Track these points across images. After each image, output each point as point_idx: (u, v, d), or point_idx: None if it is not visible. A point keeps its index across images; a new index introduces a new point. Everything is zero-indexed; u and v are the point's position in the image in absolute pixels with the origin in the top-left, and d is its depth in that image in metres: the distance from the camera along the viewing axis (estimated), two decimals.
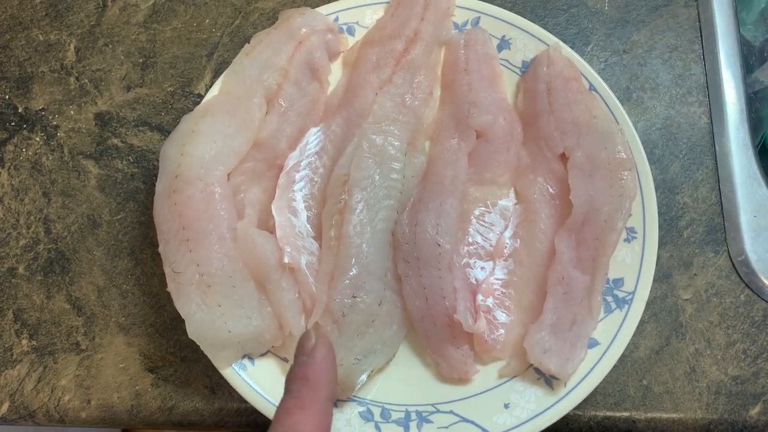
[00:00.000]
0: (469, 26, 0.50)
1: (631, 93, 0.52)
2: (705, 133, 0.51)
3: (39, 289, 0.49)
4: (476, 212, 0.46)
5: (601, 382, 0.41)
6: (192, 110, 0.46)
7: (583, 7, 0.55)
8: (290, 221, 0.45)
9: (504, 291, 0.45)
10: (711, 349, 0.46)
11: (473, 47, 0.49)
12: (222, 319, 0.41)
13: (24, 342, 0.48)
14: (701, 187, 0.50)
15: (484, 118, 0.46)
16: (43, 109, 0.54)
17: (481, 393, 0.42)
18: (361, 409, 0.42)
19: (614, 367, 0.42)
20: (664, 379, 0.45)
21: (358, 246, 0.43)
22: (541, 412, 0.41)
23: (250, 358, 0.42)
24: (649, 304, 0.45)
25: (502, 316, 0.44)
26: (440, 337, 0.43)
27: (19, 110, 0.54)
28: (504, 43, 0.49)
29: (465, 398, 0.42)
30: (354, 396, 0.42)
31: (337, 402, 0.42)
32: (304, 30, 0.48)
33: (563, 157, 0.46)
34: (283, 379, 0.41)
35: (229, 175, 0.45)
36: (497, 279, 0.45)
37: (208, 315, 0.41)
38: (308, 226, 0.45)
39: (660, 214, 0.47)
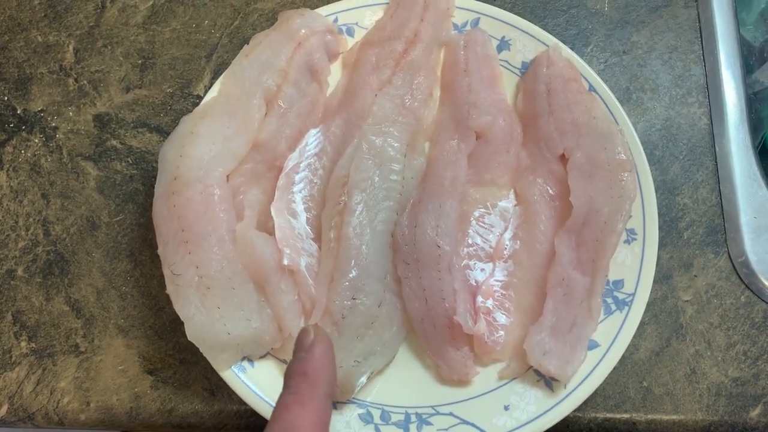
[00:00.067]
0: (468, 27, 0.50)
1: (630, 94, 0.52)
2: (705, 134, 0.51)
3: (38, 291, 0.49)
4: (476, 213, 0.46)
5: (601, 384, 0.41)
6: (191, 111, 0.46)
7: (583, 8, 0.55)
8: (290, 223, 0.45)
9: (504, 292, 0.45)
10: (711, 350, 0.46)
11: (473, 48, 0.49)
12: (221, 321, 0.41)
13: (23, 344, 0.48)
14: (701, 188, 0.49)
15: (484, 119, 0.46)
16: (41, 111, 0.54)
17: (481, 395, 0.42)
18: (361, 411, 0.42)
19: (614, 368, 0.42)
20: (664, 381, 0.45)
21: (357, 248, 0.43)
22: (541, 414, 0.41)
23: (250, 360, 0.42)
24: (649, 305, 0.45)
25: (501, 318, 0.44)
26: (440, 338, 0.43)
27: (18, 111, 0.54)
28: (504, 44, 0.49)
29: (465, 400, 0.42)
30: (353, 398, 0.42)
31: (337, 404, 0.42)
32: (303, 31, 0.48)
33: (563, 158, 0.46)
34: (282, 382, 0.42)
35: (228, 176, 0.45)
36: (497, 280, 0.45)
37: (208, 317, 0.41)
38: (308, 227, 0.45)
39: (660, 215, 0.47)
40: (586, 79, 0.47)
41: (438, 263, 0.43)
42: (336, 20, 0.50)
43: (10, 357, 0.48)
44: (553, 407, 0.41)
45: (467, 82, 0.48)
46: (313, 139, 0.48)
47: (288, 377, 0.29)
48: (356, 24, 0.50)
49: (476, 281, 0.45)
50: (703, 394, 0.45)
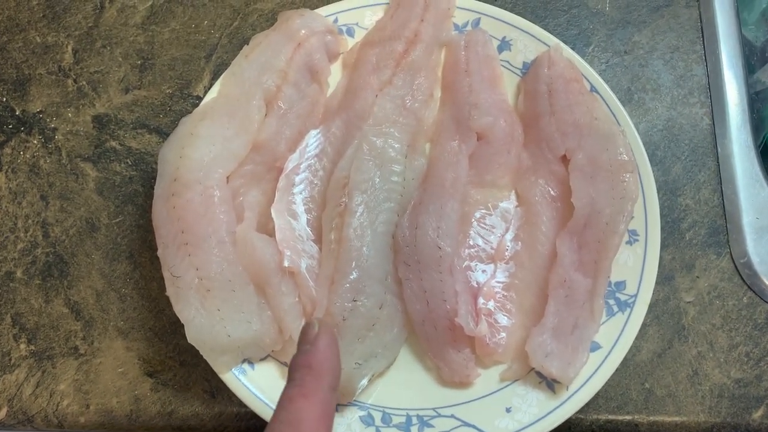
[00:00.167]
0: (469, 27, 0.50)
1: (632, 94, 0.52)
2: (707, 134, 0.51)
3: (37, 293, 0.49)
4: (477, 215, 0.46)
5: (603, 386, 0.41)
6: (191, 112, 0.46)
7: (584, 8, 0.54)
8: (290, 224, 0.45)
9: (505, 294, 0.45)
10: (714, 351, 0.46)
11: (474, 48, 0.48)
12: (221, 324, 0.41)
13: (22, 346, 0.48)
14: (703, 188, 0.49)
15: (485, 120, 0.46)
16: (40, 112, 0.54)
17: (482, 397, 0.42)
18: (362, 413, 0.42)
19: (616, 370, 0.41)
20: (666, 383, 0.45)
21: (358, 249, 0.42)
22: (543, 416, 0.41)
23: (250, 362, 0.42)
24: (651, 306, 0.45)
25: (503, 320, 0.44)
26: (441, 340, 0.42)
27: (17, 113, 0.54)
28: (504, 44, 0.49)
29: (466, 402, 0.42)
30: (355, 400, 0.42)
31: (338, 406, 0.42)
32: (303, 31, 0.48)
33: (564, 159, 0.46)
34: (282, 384, 0.42)
35: (228, 177, 0.45)
36: (498, 282, 0.45)
37: (208, 319, 0.41)
38: (308, 229, 0.45)
39: (662, 216, 0.47)
40: (588, 80, 0.47)
41: (439, 265, 0.43)
42: (336, 20, 0.50)
43: (10, 359, 0.47)
44: (555, 409, 0.41)
45: (468, 83, 0.48)
46: (313, 140, 0.47)
47: (292, 370, 0.29)
48: (356, 24, 0.50)
49: (477, 283, 0.45)
50: (706, 395, 0.45)
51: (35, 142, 0.53)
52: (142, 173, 0.51)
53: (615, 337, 0.42)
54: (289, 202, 0.45)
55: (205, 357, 0.41)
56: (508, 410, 0.41)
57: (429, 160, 0.47)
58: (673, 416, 0.44)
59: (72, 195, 0.51)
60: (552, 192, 0.46)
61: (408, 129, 0.47)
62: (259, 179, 0.46)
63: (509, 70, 0.49)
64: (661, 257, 0.45)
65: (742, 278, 0.47)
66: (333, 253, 0.43)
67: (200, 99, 0.52)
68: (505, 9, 0.50)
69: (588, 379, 0.41)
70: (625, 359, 0.42)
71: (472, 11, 0.50)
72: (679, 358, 0.45)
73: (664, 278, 0.47)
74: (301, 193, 0.46)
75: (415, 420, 0.41)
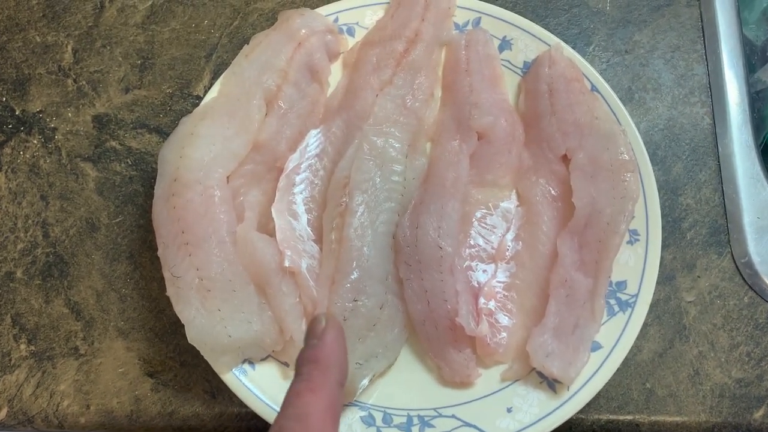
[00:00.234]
0: (470, 27, 0.50)
1: (633, 94, 0.52)
2: (708, 133, 0.51)
3: (37, 294, 0.49)
4: (478, 214, 0.46)
5: (604, 386, 0.41)
6: (191, 112, 0.46)
7: (585, 7, 0.54)
8: (290, 224, 0.45)
9: (506, 294, 0.44)
10: (715, 351, 0.46)
11: (474, 48, 0.48)
12: (222, 324, 0.41)
13: (22, 347, 0.48)
14: (704, 188, 0.49)
15: (486, 120, 0.46)
16: (40, 112, 0.53)
17: (483, 397, 0.42)
18: (363, 413, 0.42)
19: (617, 370, 0.41)
20: (667, 382, 0.45)
21: (359, 249, 0.42)
22: (544, 416, 0.41)
23: (251, 362, 0.42)
24: (652, 306, 0.45)
25: (504, 320, 0.44)
26: (442, 340, 0.42)
27: (17, 112, 0.54)
28: (505, 44, 0.49)
29: (467, 402, 0.42)
30: (355, 401, 0.42)
31: None
32: (303, 31, 0.48)
33: (565, 159, 0.46)
34: (283, 384, 0.42)
35: (228, 177, 0.45)
36: (499, 282, 0.45)
37: (208, 320, 0.41)
38: (309, 229, 0.45)
39: (663, 215, 0.47)
40: (589, 79, 0.47)
41: (440, 264, 0.43)
42: (336, 20, 0.50)
43: (10, 360, 0.47)
44: (556, 409, 0.41)
45: (469, 82, 0.48)
46: (313, 140, 0.47)
47: (300, 364, 0.29)
48: (357, 24, 0.50)
49: (478, 282, 0.45)
50: (707, 395, 0.45)
51: (35, 142, 0.53)
52: (143, 173, 0.51)
53: (616, 337, 0.42)
54: (290, 202, 0.45)
55: (205, 357, 0.41)
56: (509, 410, 0.41)
57: (430, 160, 0.47)
58: (674, 416, 0.44)
59: (72, 195, 0.51)
60: (553, 192, 0.46)
61: (409, 128, 0.47)
62: (259, 179, 0.46)
63: (510, 69, 0.49)
64: (662, 257, 0.45)
65: (743, 278, 0.47)
66: (334, 253, 0.43)
67: (200, 99, 0.52)
68: (506, 8, 0.50)
69: (589, 379, 0.41)
70: (626, 359, 0.42)
71: (473, 10, 0.50)
72: (680, 357, 0.45)
73: (665, 278, 0.47)
74: (301, 193, 0.46)
75: (416, 420, 0.41)
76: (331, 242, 0.43)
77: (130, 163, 0.52)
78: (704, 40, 0.53)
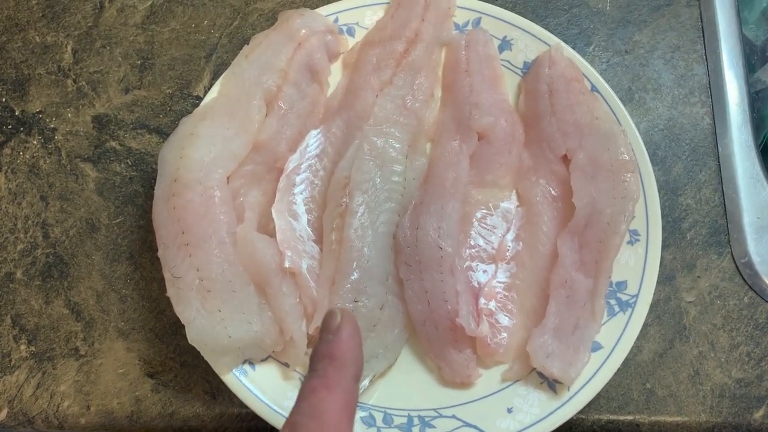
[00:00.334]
0: (470, 27, 0.50)
1: (633, 94, 0.52)
2: (708, 133, 0.51)
3: (37, 294, 0.49)
4: (478, 215, 0.46)
5: (604, 386, 0.41)
6: (191, 112, 0.46)
7: (585, 7, 0.54)
8: (291, 225, 0.45)
9: (506, 294, 0.44)
10: (715, 351, 0.46)
11: (474, 48, 0.48)
12: (222, 325, 0.41)
13: (22, 348, 0.48)
14: (704, 188, 0.49)
15: (486, 120, 0.46)
16: (40, 112, 0.53)
17: (483, 397, 0.42)
18: (363, 414, 0.42)
19: (618, 370, 0.41)
20: (667, 383, 0.45)
21: (359, 249, 0.42)
22: (545, 417, 0.41)
23: (251, 363, 0.42)
24: (652, 306, 0.45)
25: (504, 320, 0.44)
26: (442, 341, 0.42)
27: (16, 113, 0.54)
28: (505, 44, 0.49)
29: (468, 403, 0.42)
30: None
31: None
32: (303, 31, 0.48)
33: (565, 159, 0.46)
34: (283, 385, 0.42)
35: (228, 178, 0.45)
36: (499, 282, 0.45)
37: (208, 320, 0.40)
38: (309, 229, 0.45)
39: (663, 216, 0.47)
40: (589, 79, 0.47)
41: (440, 265, 0.43)
42: (336, 20, 0.50)
43: (10, 360, 0.47)
44: (556, 410, 0.41)
45: (469, 83, 0.48)
46: (313, 140, 0.47)
47: (314, 360, 0.28)
48: (357, 24, 0.50)
49: (478, 283, 0.45)
50: (707, 395, 0.45)
51: (35, 142, 0.53)
52: (143, 173, 0.51)
53: (616, 338, 0.42)
54: (290, 203, 0.45)
55: (205, 358, 0.41)
56: (509, 411, 0.41)
57: (430, 160, 0.47)
58: (675, 416, 0.44)
59: (72, 195, 0.51)
60: (553, 192, 0.46)
61: (409, 129, 0.47)
62: (259, 179, 0.46)
63: (510, 69, 0.49)
64: (662, 257, 0.45)
65: (743, 278, 0.47)
66: (334, 254, 0.43)
67: (200, 99, 0.52)
68: (506, 8, 0.50)
69: (589, 380, 0.41)
70: (626, 359, 0.42)
71: (473, 10, 0.49)
72: (680, 358, 0.45)
73: (665, 278, 0.47)
74: (301, 194, 0.46)
75: (416, 420, 0.41)
76: (331, 243, 0.43)
77: (130, 163, 0.52)
78: (704, 40, 0.53)
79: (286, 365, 0.42)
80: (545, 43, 0.48)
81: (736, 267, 0.47)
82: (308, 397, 0.27)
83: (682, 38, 0.53)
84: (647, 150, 0.45)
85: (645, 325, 0.43)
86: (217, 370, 0.41)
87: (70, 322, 0.48)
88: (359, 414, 0.42)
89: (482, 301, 0.44)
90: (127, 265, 0.49)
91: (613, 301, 0.43)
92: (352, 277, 0.42)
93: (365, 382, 0.41)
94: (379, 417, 0.41)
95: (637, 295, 0.43)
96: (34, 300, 0.49)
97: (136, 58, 0.54)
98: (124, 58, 0.54)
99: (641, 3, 0.54)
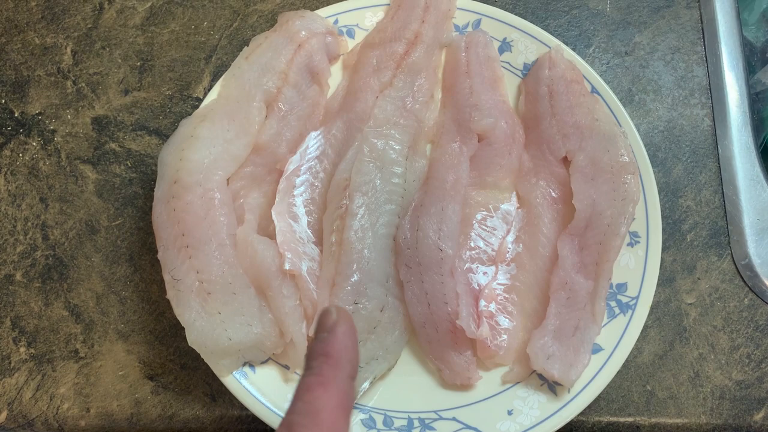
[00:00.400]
0: (470, 28, 0.50)
1: (633, 95, 0.52)
2: (708, 135, 0.51)
3: (37, 296, 0.49)
4: (478, 216, 0.46)
5: (604, 388, 0.41)
6: (190, 114, 0.46)
7: (585, 9, 0.54)
8: (291, 226, 0.45)
9: (506, 296, 0.44)
10: (715, 353, 0.46)
11: (474, 50, 0.48)
12: (222, 327, 0.40)
13: (22, 350, 0.48)
14: (704, 190, 0.49)
15: (486, 122, 0.46)
16: (39, 114, 0.53)
17: (484, 399, 0.42)
18: (364, 416, 0.42)
19: (618, 372, 0.41)
20: (668, 384, 0.45)
21: (359, 251, 0.42)
22: (545, 419, 0.41)
23: (251, 365, 0.42)
24: (653, 308, 0.45)
25: (504, 322, 0.43)
26: (443, 343, 0.42)
27: (16, 115, 0.53)
28: (505, 46, 0.49)
29: (468, 405, 0.42)
30: (356, 403, 0.42)
31: None
32: (303, 33, 0.48)
33: (565, 161, 0.46)
34: (284, 387, 0.42)
35: (228, 180, 0.45)
36: (500, 284, 0.45)
37: (209, 322, 0.40)
38: (309, 231, 0.45)
39: (663, 217, 0.47)
40: (589, 81, 0.47)
41: (440, 267, 0.43)
42: (336, 22, 0.50)
43: (9, 363, 0.47)
44: (556, 412, 0.41)
45: (469, 84, 0.48)
46: (313, 142, 0.47)
47: (310, 358, 0.28)
48: (357, 25, 0.50)
49: (479, 285, 0.44)
50: (707, 397, 0.45)
51: (34, 144, 0.53)
52: (142, 175, 0.51)
53: (616, 339, 0.42)
54: (290, 204, 0.45)
55: (205, 360, 0.41)
56: (509, 413, 0.41)
57: (430, 162, 0.47)
58: (675, 418, 0.44)
59: (71, 197, 0.51)
60: (553, 194, 0.46)
61: (409, 130, 0.47)
62: (259, 181, 0.46)
63: (510, 71, 0.49)
64: (662, 259, 0.45)
65: (743, 280, 0.47)
66: (334, 256, 0.43)
67: (200, 100, 0.52)
68: (506, 10, 0.50)
69: (590, 382, 0.41)
70: (627, 361, 0.42)
71: (473, 12, 0.49)
72: (680, 359, 0.45)
73: (665, 280, 0.47)
74: (301, 195, 0.46)
75: (416, 423, 0.41)
76: (331, 244, 0.43)
77: (129, 165, 0.52)
78: (704, 41, 0.53)
79: (287, 367, 0.42)
80: (545, 44, 0.48)
81: (737, 269, 0.47)
82: (304, 395, 0.26)
83: (682, 40, 0.53)
84: (647, 152, 0.45)
85: (645, 327, 0.43)
86: (217, 372, 0.41)
87: (69, 324, 0.48)
88: (359, 416, 0.41)
89: (482, 303, 0.44)
90: (126, 267, 0.49)
91: (613, 303, 0.43)
92: (353, 279, 0.42)
93: (365, 384, 0.41)
94: (379, 419, 0.41)
95: (637, 297, 0.43)
96: (34, 302, 0.49)
97: (135, 59, 0.54)
98: (124, 59, 0.54)
99: (641, 4, 0.54)
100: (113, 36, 0.55)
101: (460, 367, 0.42)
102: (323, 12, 0.49)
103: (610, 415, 0.45)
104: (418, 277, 0.43)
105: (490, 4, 0.50)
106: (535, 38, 0.48)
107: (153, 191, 0.43)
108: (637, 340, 0.42)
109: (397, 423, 0.41)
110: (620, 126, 0.45)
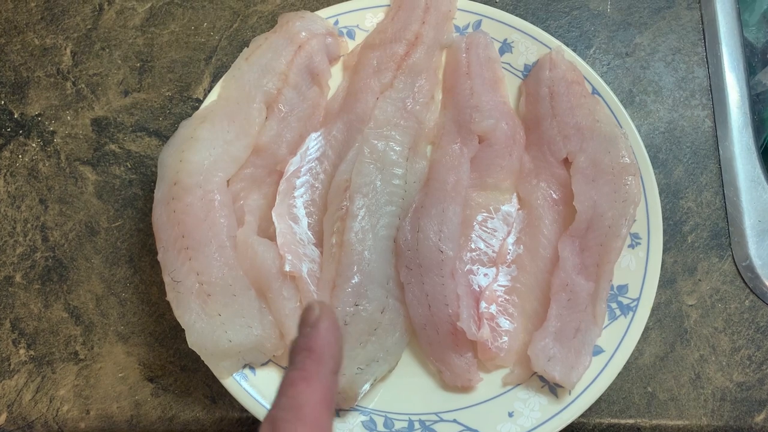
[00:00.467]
0: (470, 29, 0.50)
1: (634, 96, 0.52)
2: (709, 136, 0.51)
3: (36, 298, 0.49)
4: (479, 218, 0.46)
5: (605, 390, 0.41)
6: (190, 115, 0.46)
7: (585, 10, 0.54)
8: (291, 228, 0.45)
9: (507, 298, 0.44)
10: (716, 355, 0.45)
11: (475, 51, 0.48)
12: (222, 329, 0.40)
13: (22, 352, 0.47)
14: (705, 191, 0.49)
15: (487, 123, 0.46)
16: (39, 115, 0.53)
17: (484, 401, 0.42)
18: (364, 418, 0.41)
19: (619, 374, 0.41)
20: (669, 386, 0.45)
21: (359, 253, 0.42)
22: (546, 421, 0.40)
23: (251, 367, 0.42)
24: (654, 310, 0.45)
25: (505, 324, 0.43)
26: (443, 345, 0.42)
27: (15, 116, 0.53)
28: (506, 47, 0.49)
29: (468, 407, 0.42)
30: (356, 405, 0.42)
31: (340, 412, 0.41)
32: (303, 34, 0.48)
33: (566, 162, 0.46)
34: None
35: (228, 181, 0.45)
36: (500, 285, 0.45)
37: (209, 324, 0.40)
38: (309, 233, 0.45)
39: (664, 219, 0.47)
40: (589, 82, 0.47)
41: (441, 268, 0.43)
42: (336, 23, 0.50)
43: (9, 365, 0.47)
44: (557, 414, 0.41)
45: (469, 85, 0.47)
46: (314, 143, 0.47)
47: (293, 353, 0.28)
48: (357, 26, 0.50)
49: (479, 286, 0.44)
50: (708, 399, 0.45)
51: (34, 145, 0.52)
52: (142, 177, 0.51)
53: (617, 341, 0.42)
54: (290, 206, 0.45)
55: (206, 362, 0.41)
56: (510, 415, 0.41)
57: (430, 163, 0.47)
58: (676, 420, 0.44)
59: (71, 199, 0.51)
60: (554, 195, 0.46)
61: (409, 132, 0.47)
62: (259, 183, 0.46)
63: (510, 72, 0.49)
64: (663, 260, 0.44)
65: (744, 281, 0.47)
66: (334, 257, 0.43)
67: (200, 102, 0.52)
68: (507, 11, 0.50)
69: (590, 383, 0.41)
70: (628, 363, 0.42)
71: (473, 13, 0.49)
72: (681, 361, 0.45)
73: (666, 281, 0.47)
74: (302, 197, 0.46)
75: (417, 425, 0.41)
76: (331, 246, 0.43)
77: (129, 166, 0.51)
78: (705, 42, 0.53)
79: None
80: (546, 45, 0.48)
81: (737, 270, 0.47)
82: (287, 390, 0.27)
83: (682, 41, 0.53)
84: (648, 153, 0.45)
85: (646, 329, 0.43)
86: (217, 374, 0.41)
87: (69, 326, 0.48)
88: (360, 418, 0.41)
89: (483, 304, 0.44)
90: (126, 269, 0.49)
91: (614, 305, 0.43)
92: (353, 281, 0.42)
93: (366, 386, 0.41)
94: (379, 421, 0.41)
95: (638, 299, 0.43)
96: (34, 304, 0.48)
97: (135, 60, 0.54)
98: (124, 60, 0.54)
99: (642, 5, 0.54)
100: (113, 37, 0.55)
101: (461, 369, 0.42)
102: (323, 13, 0.49)
103: (611, 417, 0.45)
104: (418, 278, 0.43)
105: (491, 5, 0.50)
106: (536, 39, 0.48)
107: (153, 193, 0.43)
108: (638, 342, 0.42)
109: (398, 425, 0.41)
110: (621, 127, 0.45)
